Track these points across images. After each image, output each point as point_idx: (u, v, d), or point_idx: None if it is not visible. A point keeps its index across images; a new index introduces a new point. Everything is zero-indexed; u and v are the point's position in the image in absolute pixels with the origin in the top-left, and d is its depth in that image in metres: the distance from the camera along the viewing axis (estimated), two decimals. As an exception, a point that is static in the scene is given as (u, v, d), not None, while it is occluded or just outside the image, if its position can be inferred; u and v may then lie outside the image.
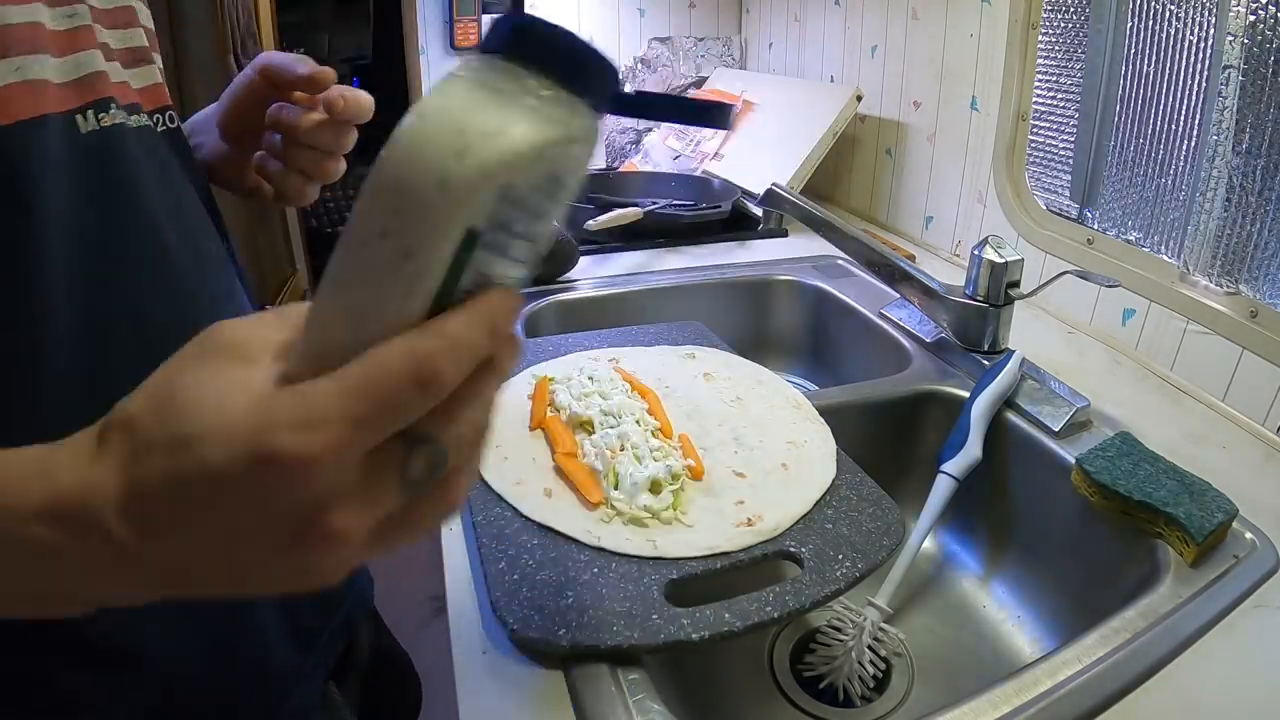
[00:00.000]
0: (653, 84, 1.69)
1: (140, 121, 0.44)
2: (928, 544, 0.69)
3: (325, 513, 0.23)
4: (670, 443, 0.60)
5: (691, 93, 1.62)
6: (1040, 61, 0.92)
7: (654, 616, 0.45)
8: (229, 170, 0.57)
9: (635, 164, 1.54)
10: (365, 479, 0.23)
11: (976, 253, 0.76)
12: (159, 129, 0.46)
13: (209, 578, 0.25)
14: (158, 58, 0.48)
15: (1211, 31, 0.70)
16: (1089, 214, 0.88)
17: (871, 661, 0.58)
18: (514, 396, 0.68)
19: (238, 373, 0.23)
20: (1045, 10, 0.90)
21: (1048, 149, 0.93)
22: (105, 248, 0.40)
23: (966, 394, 0.72)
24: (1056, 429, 0.66)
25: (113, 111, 0.41)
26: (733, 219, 1.24)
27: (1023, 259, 0.76)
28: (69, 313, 0.38)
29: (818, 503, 0.56)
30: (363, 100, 0.50)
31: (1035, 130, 0.94)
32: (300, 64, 0.49)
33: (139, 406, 0.24)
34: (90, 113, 0.40)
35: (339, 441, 0.22)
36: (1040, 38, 0.91)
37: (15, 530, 0.23)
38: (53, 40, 0.38)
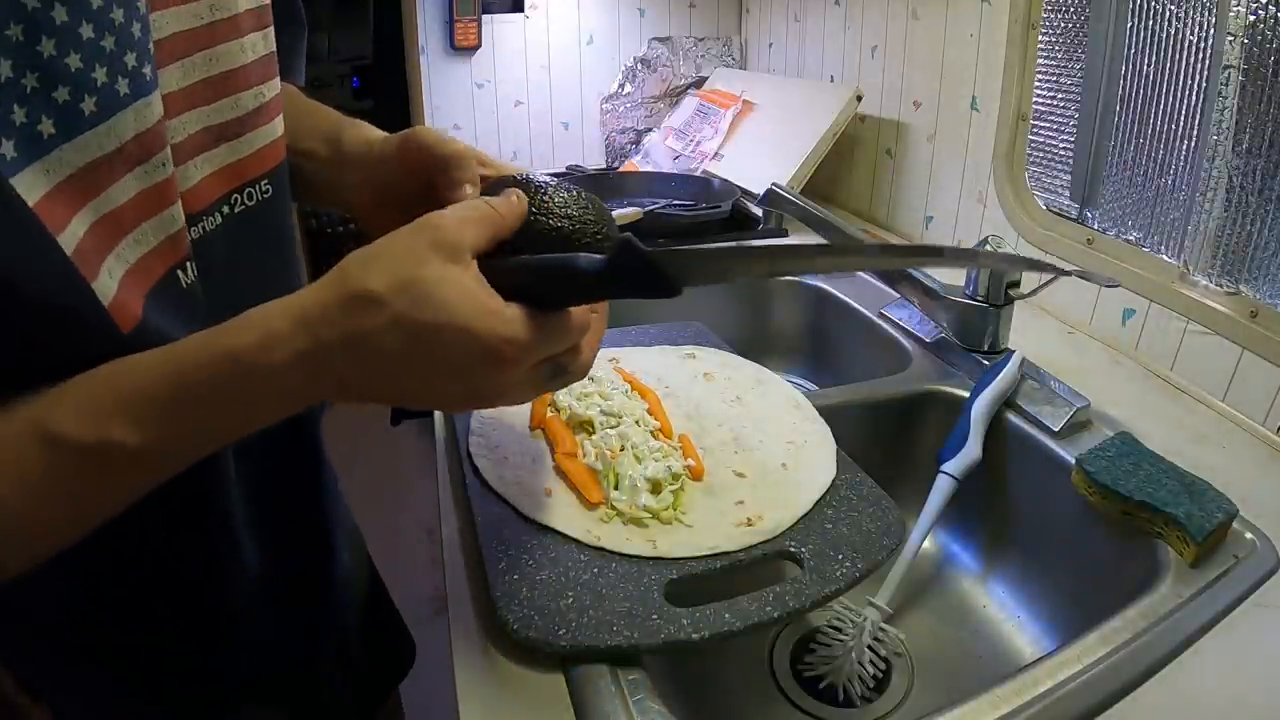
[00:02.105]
0: (652, 84, 1.69)
1: (212, 224, 0.42)
2: (928, 544, 0.69)
3: (502, 395, 0.36)
4: (670, 443, 0.60)
5: (692, 93, 1.62)
6: (1040, 61, 0.92)
7: (654, 616, 0.45)
8: (343, 204, 0.54)
9: (635, 164, 1.54)
10: (526, 372, 0.36)
11: (976, 253, 0.76)
12: (237, 210, 0.44)
13: (390, 399, 0.37)
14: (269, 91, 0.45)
15: (1211, 31, 0.70)
16: (1089, 214, 0.88)
17: (871, 661, 0.58)
18: (514, 396, 0.68)
19: (459, 276, 0.34)
20: (1045, 10, 0.90)
21: (1048, 149, 0.93)
22: None
23: (966, 394, 0.72)
24: (1056, 429, 0.66)
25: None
26: (733, 219, 1.24)
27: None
28: None
29: (818, 503, 0.56)
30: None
31: (1035, 130, 0.94)
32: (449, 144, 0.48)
33: (383, 284, 0.33)
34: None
35: (529, 359, 0.35)
36: (1040, 38, 0.91)
37: (274, 376, 0.33)
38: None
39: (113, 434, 0.32)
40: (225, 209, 0.43)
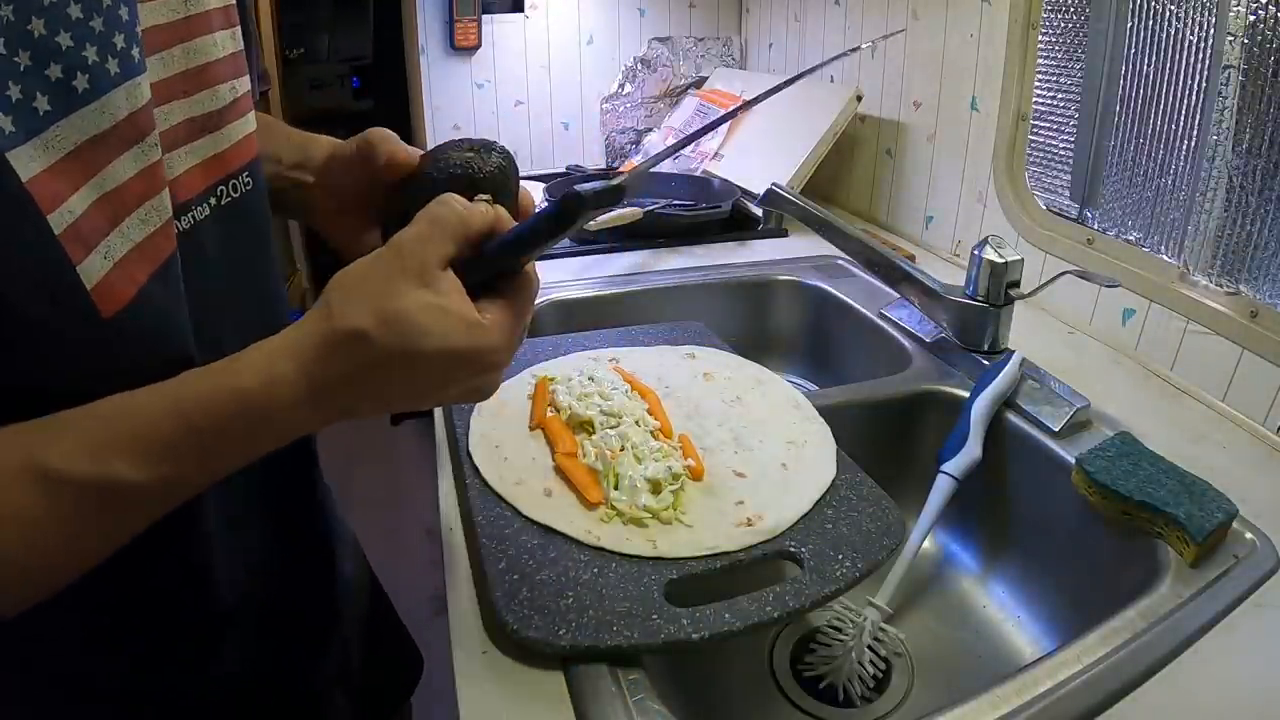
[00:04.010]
0: (653, 84, 1.69)
1: (201, 214, 0.42)
2: (928, 544, 0.69)
3: (498, 381, 0.40)
4: (670, 443, 0.60)
5: (692, 93, 1.62)
6: (1040, 61, 0.92)
7: (654, 616, 0.45)
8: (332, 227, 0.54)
9: (635, 164, 1.54)
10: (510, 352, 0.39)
11: (976, 253, 0.76)
12: (224, 201, 0.44)
13: (395, 410, 0.38)
14: (240, 86, 0.45)
15: (1211, 31, 0.70)
16: (1089, 214, 0.88)
17: (871, 661, 0.58)
18: (514, 396, 0.68)
19: (434, 299, 0.35)
20: (1045, 10, 0.90)
21: (1048, 149, 0.93)
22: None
23: (966, 394, 0.72)
24: (1056, 429, 0.66)
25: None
26: (733, 219, 1.24)
27: (1023, 259, 0.76)
28: None
29: (818, 503, 0.56)
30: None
31: (1035, 130, 0.94)
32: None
33: (367, 321, 0.34)
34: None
35: (513, 348, 0.39)
36: (1040, 38, 0.91)
37: (279, 413, 0.34)
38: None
39: (115, 470, 0.31)
40: (213, 200, 0.43)
